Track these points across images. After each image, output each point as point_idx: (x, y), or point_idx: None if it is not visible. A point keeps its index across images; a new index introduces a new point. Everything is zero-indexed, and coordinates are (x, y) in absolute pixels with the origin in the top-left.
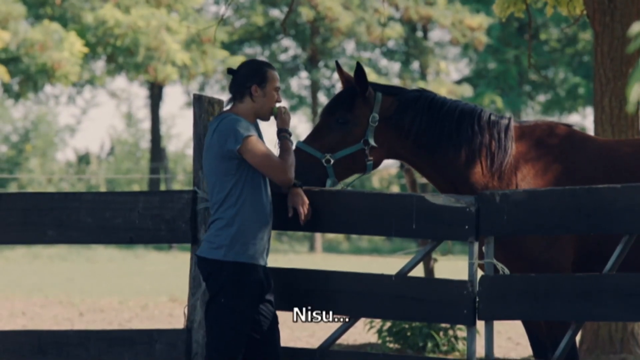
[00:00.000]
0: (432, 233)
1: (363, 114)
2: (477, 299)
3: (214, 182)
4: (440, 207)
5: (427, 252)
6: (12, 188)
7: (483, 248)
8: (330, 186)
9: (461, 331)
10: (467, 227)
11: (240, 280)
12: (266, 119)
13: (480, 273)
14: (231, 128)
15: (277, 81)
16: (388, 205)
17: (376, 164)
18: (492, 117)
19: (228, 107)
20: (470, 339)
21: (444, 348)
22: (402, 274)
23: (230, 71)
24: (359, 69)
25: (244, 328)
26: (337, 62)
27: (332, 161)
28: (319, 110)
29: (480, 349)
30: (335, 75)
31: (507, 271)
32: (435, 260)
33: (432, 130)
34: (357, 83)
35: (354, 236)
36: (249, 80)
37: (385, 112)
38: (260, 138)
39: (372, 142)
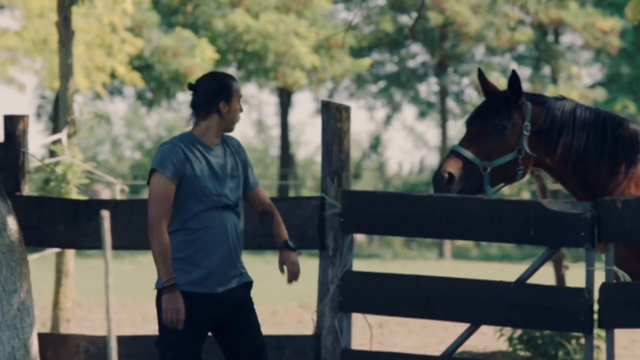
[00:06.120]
0: (549, 240)
1: (517, 122)
2: (598, 307)
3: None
4: (557, 213)
5: (545, 260)
6: (145, 195)
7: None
8: (490, 195)
9: (595, 339)
10: (583, 233)
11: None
12: (231, 130)
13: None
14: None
15: (240, 92)
16: (506, 212)
17: (524, 173)
18: (631, 126)
19: (190, 126)
20: (588, 348)
21: (577, 357)
22: (521, 280)
23: (190, 87)
24: (514, 77)
25: None
26: (479, 70)
27: (488, 169)
28: (448, 115)
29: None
30: (465, 81)
31: (627, 278)
32: (567, 267)
33: (578, 142)
34: (511, 91)
35: (483, 243)
36: (216, 96)
37: (535, 121)
38: (232, 156)
39: (527, 149)
